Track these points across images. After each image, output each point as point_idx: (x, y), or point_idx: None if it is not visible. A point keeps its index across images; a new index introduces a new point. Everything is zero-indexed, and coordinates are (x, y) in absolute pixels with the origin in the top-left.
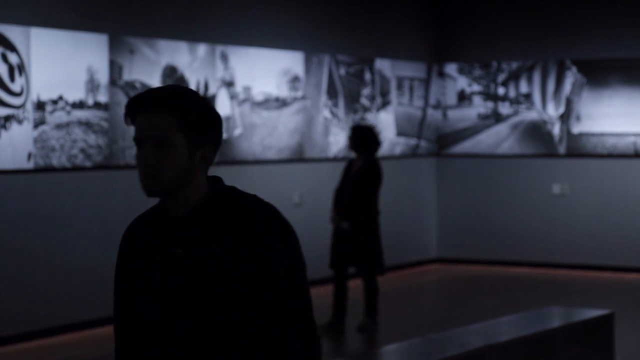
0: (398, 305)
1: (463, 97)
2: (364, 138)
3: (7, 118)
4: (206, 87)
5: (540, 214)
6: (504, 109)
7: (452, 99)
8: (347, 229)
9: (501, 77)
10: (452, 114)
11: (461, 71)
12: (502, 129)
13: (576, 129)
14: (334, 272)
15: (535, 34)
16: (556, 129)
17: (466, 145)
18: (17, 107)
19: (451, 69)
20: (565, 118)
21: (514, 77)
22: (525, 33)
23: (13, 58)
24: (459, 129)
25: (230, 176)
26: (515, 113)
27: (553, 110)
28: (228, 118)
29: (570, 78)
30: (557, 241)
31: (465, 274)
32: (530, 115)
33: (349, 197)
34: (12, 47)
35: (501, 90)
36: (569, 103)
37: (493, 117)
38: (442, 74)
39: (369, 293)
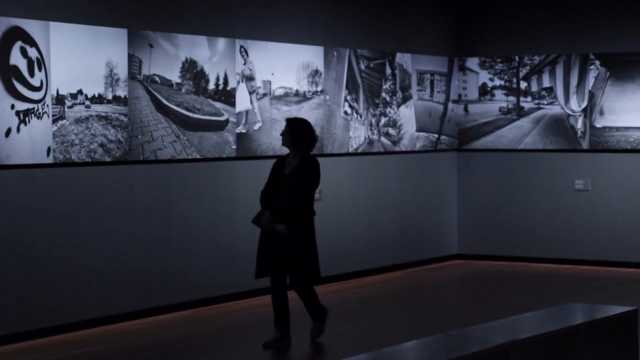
0: (418, 302)
1: (485, 92)
2: (300, 133)
3: (27, 112)
4: (226, 81)
5: (563, 210)
6: (526, 103)
7: (473, 93)
8: (284, 232)
9: (523, 71)
10: (474, 108)
11: (483, 65)
12: (524, 123)
13: (599, 123)
14: (271, 282)
15: (558, 27)
16: (579, 123)
17: (487, 140)
18: (37, 102)
19: (473, 63)
20: (588, 112)
21: (537, 71)
22: (548, 27)
23: (32, 52)
24: (481, 123)
25: (250, 171)
26: (538, 107)
27: (576, 105)
28: (247, 112)
29: (593, 72)
30: (580, 237)
31: (486, 270)
32: (552, 109)
33: (285, 197)
34: (31, 42)
35: (523, 85)
36: (592, 97)
37: (515, 112)
38: (463, 68)
39: (308, 300)
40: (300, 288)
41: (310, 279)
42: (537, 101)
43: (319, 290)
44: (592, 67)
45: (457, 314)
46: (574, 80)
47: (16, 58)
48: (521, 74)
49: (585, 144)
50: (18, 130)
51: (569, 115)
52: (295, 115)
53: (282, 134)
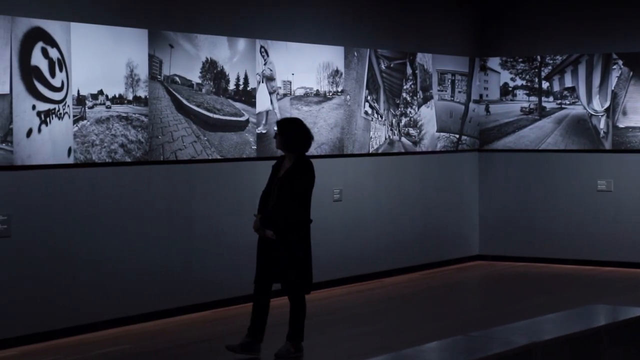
0: (439, 303)
1: (506, 92)
2: (290, 134)
3: (48, 113)
4: (246, 81)
5: (585, 210)
6: (548, 103)
7: (495, 93)
8: (273, 238)
9: (545, 71)
10: (495, 108)
11: (504, 65)
12: (546, 123)
13: (622, 123)
14: (255, 288)
15: (581, 27)
16: (601, 124)
17: (509, 140)
18: (58, 102)
19: (494, 63)
20: (610, 112)
21: (559, 71)
22: (570, 26)
23: (53, 53)
24: (502, 123)
25: (269, 171)
26: (560, 107)
27: (598, 105)
28: (268, 112)
29: (616, 71)
30: (602, 238)
31: (508, 271)
32: (575, 109)
33: (275, 201)
34: (52, 42)
35: (545, 85)
36: (614, 97)
37: (537, 112)
38: (485, 68)
39: (293, 314)
40: (291, 297)
41: (299, 288)
42: (559, 101)
43: (340, 291)
44: (614, 66)
45: (478, 315)
46: (596, 80)
47: (37, 59)
48: (543, 74)
49: (607, 144)
50: (39, 130)
51: (591, 115)
52: (315, 115)
53: (274, 137)
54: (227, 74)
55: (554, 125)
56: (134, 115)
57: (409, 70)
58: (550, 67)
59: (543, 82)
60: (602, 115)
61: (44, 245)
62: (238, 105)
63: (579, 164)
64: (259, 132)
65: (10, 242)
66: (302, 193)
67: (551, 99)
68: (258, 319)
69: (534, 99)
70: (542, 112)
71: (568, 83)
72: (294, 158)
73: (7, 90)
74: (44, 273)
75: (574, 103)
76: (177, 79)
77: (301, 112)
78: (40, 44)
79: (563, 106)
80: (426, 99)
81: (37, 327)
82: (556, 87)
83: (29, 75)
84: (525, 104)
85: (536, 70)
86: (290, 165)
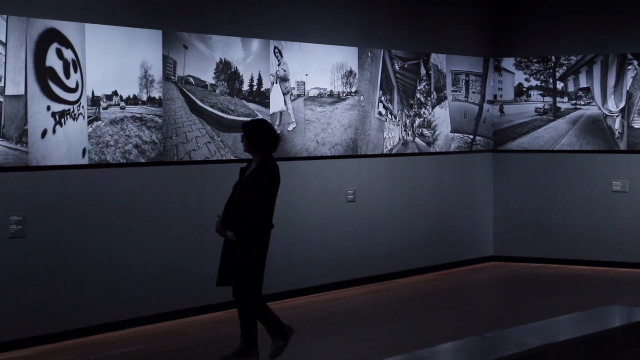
0: (453, 304)
1: (521, 92)
2: (252, 136)
3: (63, 114)
4: (260, 82)
5: (600, 211)
6: (563, 104)
7: (509, 94)
8: (233, 240)
9: (560, 72)
10: (510, 109)
11: (519, 66)
12: (560, 124)
13: (637, 124)
14: (232, 292)
15: (596, 27)
16: (617, 124)
17: (524, 141)
18: (73, 103)
19: (508, 63)
20: (626, 113)
21: (574, 71)
22: (585, 26)
23: (68, 54)
24: (517, 124)
25: (283, 172)
26: (575, 108)
27: (613, 105)
28: (282, 113)
29: (632, 72)
30: (617, 239)
31: (523, 272)
32: (590, 110)
33: (238, 202)
34: (67, 44)
35: (560, 85)
36: (629, 97)
37: (552, 113)
38: (499, 69)
39: (245, 319)
40: (239, 303)
41: (246, 294)
42: (574, 102)
43: (354, 292)
44: (630, 67)
45: (493, 317)
46: (611, 81)
47: (52, 60)
48: (558, 75)
49: (623, 145)
50: (54, 131)
51: (606, 116)
52: (329, 116)
53: (242, 140)
54: (241, 75)
55: (569, 126)
56: (148, 116)
57: (423, 71)
58: (565, 68)
59: (558, 82)
60: (617, 116)
61: (59, 245)
62: (252, 106)
63: (594, 164)
64: None
65: (25, 243)
66: (262, 195)
67: (566, 99)
68: (243, 324)
69: (548, 99)
70: (557, 113)
71: (583, 84)
72: (260, 159)
73: (22, 92)
74: (59, 273)
75: (589, 104)
76: (192, 80)
77: (315, 113)
78: (55, 45)
79: (578, 107)
80: (440, 100)
81: (52, 328)
82: (571, 88)
83: (44, 76)
84: (540, 105)
85: (551, 70)
86: (255, 166)
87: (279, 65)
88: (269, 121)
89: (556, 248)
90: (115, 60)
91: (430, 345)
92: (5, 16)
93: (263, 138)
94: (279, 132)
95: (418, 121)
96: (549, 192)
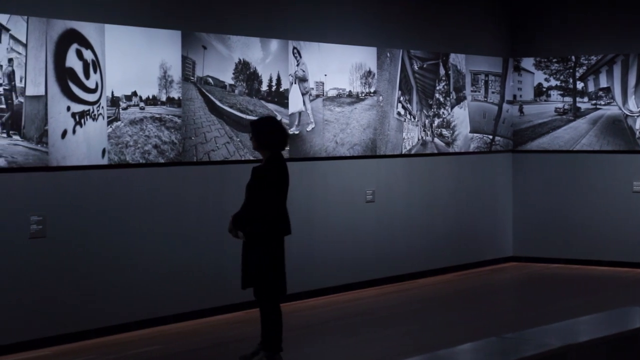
0: (473, 304)
1: (540, 92)
2: (262, 133)
3: (82, 114)
4: (278, 82)
5: (621, 211)
6: (583, 103)
7: (528, 94)
8: (243, 239)
9: (580, 71)
10: (529, 109)
11: (538, 65)
12: (580, 124)
13: None
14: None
15: (616, 27)
16: (637, 124)
17: (543, 141)
18: (92, 104)
19: (528, 63)
20: None
21: (594, 71)
22: (605, 26)
23: (88, 55)
24: (536, 124)
25: (303, 172)
26: (595, 108)
27: (634, 105)
28: (300, 114)
29: None
30: (638, 239)
31: (542, 272)
32: (610, 110)
33: (245, 202)
34: (87, 44)
35: (580, 85)
36: None
37: (571, 112)
38: (518, 69)
39: (263, 321)
40: (259, 303)
41: (264, 295)
42: (594, 101)
43: (373, 292)
44: None
45: (512, 317)
46: (632, 80)
47: (72, 60)
48: (578, 74)
49: None
50: (74, 131)
51: (626, 115)
52: (347, 116)
53: (250, 138)
54: (259, 75)
55: (589, 126)
56: (167, 116)
57: (442, 71)
58: (584, 68)
59: (578, 82)
60: (637, 116)
61: (78, 245)
62: (271, 106)
63: (614, 165)
64: (291, 133)
65: (45, 242)
66: (270, 193)
67: (586, 99)
68: (262, 325)
69: (568, 99)
70: (577, 113)
71: (603, 83)
72: (268, 157)
73: (42, 92)
74: (79, 273)
75: (609, 103)
76: (210, 80)
77: (334, 113)
78: (74, 46)
79: (598, 107)
80: (459, 100)
81: (71, 327)
82: (591, 88)
83: (64, 76)
84: (560, 105)
85: (571, 70)
86: (262, 165)
87: (297, 65)
88: (281, 119)
89: (576, 248)
90: (134, 61)
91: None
92: (26, 17)
93: (271, 136)
94: (297, 132)
95: (437, 121)
96: (569, 192)
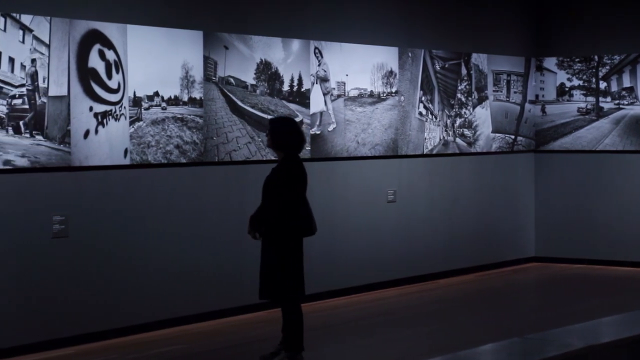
0: (494, 304)
1: (563, 92)
2: (279, 134)
3: (105, 114)
4: (300, 82)
5: None
6: (606, 103)
7: (551, 93)
8: (258, 239)
9: (603, 71)
10: (551, 109)
11: (561, 65)
12: (603, 124)
13: None
14: None
15: (639, 26)
16: None
17: (566, 141)
18: (114, 104)
19: (550, 63)
20: None
21: (617, 70)
22: (628, 25)
23: (110, 55)
24: (558, 124)
25: (323, 172)
26: (618, 108)
27: None
28: (322, 113)
29: None
30: None
31: (564, 273)
32: (633, 109)
33: (261, 203)
34: (109, 44)
35: (603, 85)
36: None
37: (594, 112)
38: (541, 68)
39: (284, 322)
40: (281, 308)
41: (282, 296)
42: (617, 101)
43: (394, 293)
44: None
45: (534, 318)
46: None
47: (94, 61)
48: (600, 74)
49: None
50: (96, 132)
51: None
52: (369, 116)
53: (266, 135)
54: (281, 75)
55: (612, 126)
56: (189, 116)
57: (464, 71)
58: (607, 67)
59: (600, 82)
60: None
61: (100, 245)
62: (292, 106)
63: (637, 165)
64: (313, 133)
65: (67, 242)
66: (283, 193)
67: (609, 99)
68: (282, 324)
69: (591, 99)
70: (600, 113)
71: (626, 83)
72: (282, 157)
73: (65, 92)
74: (101, 273)
75: (632, 103)
76: (232, 80)
77: (355, 113)
78: (97, 46)
79: (621, 106)
80: (481, 100)
81: (93, 327)
82: (614, 87)
83: (86, 77)
84: (582, 105)
85: (593, 70)
86: (277, 165)
87: (319, 65)
88: (302, 119)
89: (599, 249)
90: (156, 61)
91: (471, 346)
92: (49, 17)
93: (288, 138)
94: (318, 132)
95: (459, 121)
96: (591, 193)
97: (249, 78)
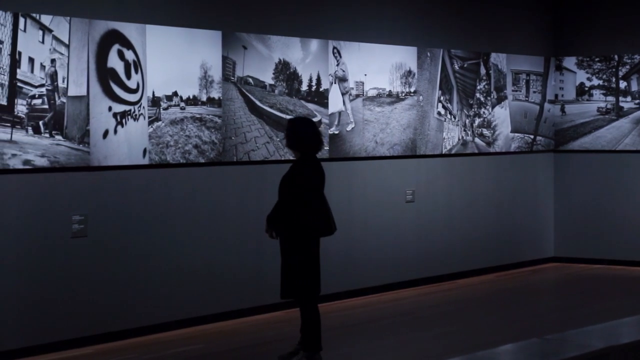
0: (513, 305)
1: (582, 92)
2: (296, 134)
3: (124, 114)
4: (318, 82)
5: None
6: (626, 103)
7: (570, 93)
8: (274, 239)
9: (623, 71)
10: (571, 108)
11: (580, 65)
12: (623, 123)
13: None
14: None
15: None
16: None
17: (585, 141)
18: (133, 104)
19: (570, 62)
20: None
21: (637, 70)
22: None
23: (129, 55)
24: (578, 124)
25: (342, 171)
26: (638, 107)
27: None
28: (340, 113)
29: None
30: None
31: (583, 273)
32: None
33: (277, 202)
34: (128, 44)
35: (623, 84)
36: None
37: (614, 112)
38: (560, 68)
39: (302, 321)
40: (299, 307)
41: (303, 297)
42: (637, 101)
43: (413, 293)
44: None
45: (554, 318)
46: None
47: (113, 61)
48: (620, 73)
49: None
50: (115, 131)
51: None
52: (387, 116)
53: (285, 134)
54: (299, 75)
55: (632, 126)
56: (207, 116)
57: (483, 71)
58: (628, 67)
59: (620, 81)
60: None
61: (119, 245)
62: (310, 106)
63: None
64: (331, 132)
65: (86, 242)
66: (295, 193)
67: (629, 98)
68: (301, 324)
69: (611, 98)
70: (620, 112)
71: None
72: (298, 157)
73: (84, 92)
74: (119, 272)
75: None
76: (250, 80)
77: (374, 112)
78: (116, 46)
79: None
80: (500, 99)
81: (111, 326)
82: (634, 87)
83: (106, 77)
84: (602, 104)
85: (613, 69)
86: (293, 165)
87: (337, 65)
88: (320, 119)
89: (618, 249)
90: (175, 61)
91: (490, 347)
92: (68, 18)
93: (305, 139)
94: (337, 131)
95: (477, 121)
96: (611, 192)
97: (268, 78)
